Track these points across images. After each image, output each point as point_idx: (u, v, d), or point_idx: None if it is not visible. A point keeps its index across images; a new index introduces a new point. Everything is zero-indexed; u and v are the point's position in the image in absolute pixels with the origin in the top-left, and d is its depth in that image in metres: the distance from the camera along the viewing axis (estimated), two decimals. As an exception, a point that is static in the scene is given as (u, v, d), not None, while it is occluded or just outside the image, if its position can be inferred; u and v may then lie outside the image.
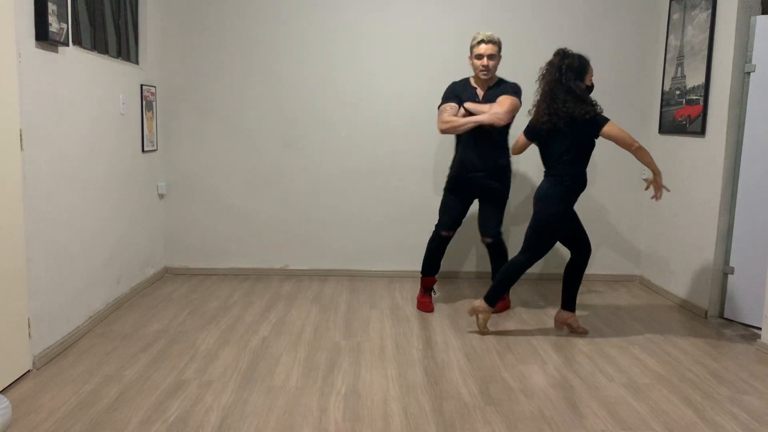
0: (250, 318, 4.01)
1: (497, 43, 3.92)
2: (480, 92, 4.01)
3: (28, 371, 3.09)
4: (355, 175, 5.05)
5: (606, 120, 3.50)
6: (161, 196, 4.99)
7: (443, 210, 4.15)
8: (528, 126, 3.73)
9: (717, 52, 4.14)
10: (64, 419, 2.63)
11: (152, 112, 4.75)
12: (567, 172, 3.58)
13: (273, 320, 3.98)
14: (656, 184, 3.58)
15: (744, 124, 3.98)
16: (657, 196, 3.62)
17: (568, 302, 3.80)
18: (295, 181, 5.08)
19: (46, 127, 3.23)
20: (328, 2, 4.90)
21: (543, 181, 3.66)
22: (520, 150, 3.88)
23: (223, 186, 5.06)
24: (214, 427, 2.60)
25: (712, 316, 4.19)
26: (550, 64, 3.57)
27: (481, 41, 3.90)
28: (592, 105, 3.51)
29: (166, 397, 2.86)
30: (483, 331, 3.76)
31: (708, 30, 4.19)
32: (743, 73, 3.98)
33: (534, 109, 3.64)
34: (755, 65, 3.92)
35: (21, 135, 2.97)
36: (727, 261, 4.12)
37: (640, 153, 3.50)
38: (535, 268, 5.07)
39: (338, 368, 3.23)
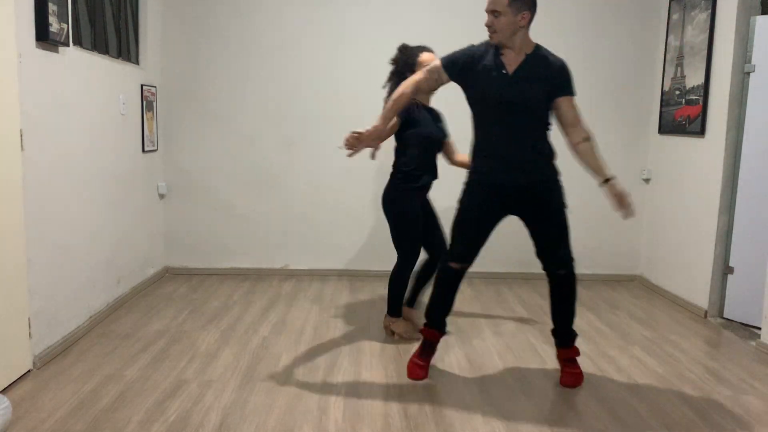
0: (250, 318, 4.01)
1: None
2: (509, 63, 2.84)
3: (29, 371, 3.09)
4: (355, 175, 5.05)
5: None
6: (161, 196, 4.99)
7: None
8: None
9: (717, 52, 4.14)
10: (64, 419, 2.63)
11: (152, 112, 4.75)
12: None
13: (273, 320, 3.98)
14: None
15: (744, 124, 3.99)
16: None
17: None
18: (295, 180, 5.08)
19: (46, 127, 3.23)
20: (329, 2, 4.91)
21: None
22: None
23: (223, 186, 5.06)
24: (214, 427, 2.60)
25: (711, 316, 4.19)
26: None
27: None
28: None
29: (166, 397, 2.86)
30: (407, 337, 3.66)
31: (708, 30, 4.19)
32: (743, 73, 3.99)
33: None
34: (755, 65, 3.92)
35: (21, 135, 2.97)
36: (726, 261, 4.13)
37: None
38: (535, 268, 5.06)
39: (338, 368, 3.23)
